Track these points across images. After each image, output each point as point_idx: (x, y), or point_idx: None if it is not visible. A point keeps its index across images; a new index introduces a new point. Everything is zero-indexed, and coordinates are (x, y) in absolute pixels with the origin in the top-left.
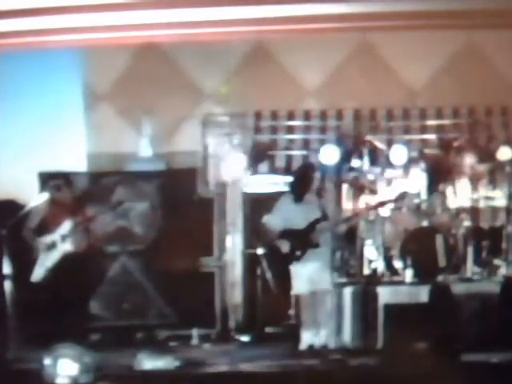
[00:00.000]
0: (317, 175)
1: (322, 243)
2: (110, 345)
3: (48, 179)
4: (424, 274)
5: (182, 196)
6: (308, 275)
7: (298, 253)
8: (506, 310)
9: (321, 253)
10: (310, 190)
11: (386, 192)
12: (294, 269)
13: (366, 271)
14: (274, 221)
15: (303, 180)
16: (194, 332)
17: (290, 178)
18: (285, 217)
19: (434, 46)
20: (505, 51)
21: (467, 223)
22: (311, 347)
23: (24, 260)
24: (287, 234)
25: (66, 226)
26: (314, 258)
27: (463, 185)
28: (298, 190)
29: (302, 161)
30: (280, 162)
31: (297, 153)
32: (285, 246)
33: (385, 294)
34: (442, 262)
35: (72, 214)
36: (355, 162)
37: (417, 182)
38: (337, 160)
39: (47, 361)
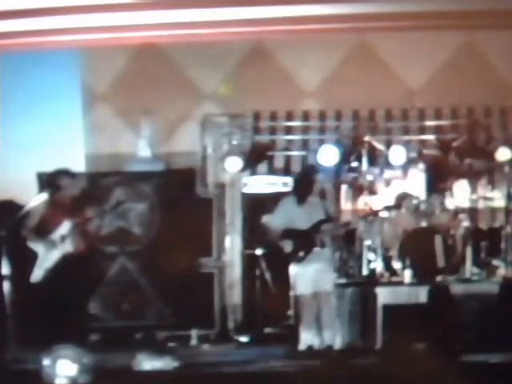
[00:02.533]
0: (319, 177)
1: (326, 244)
2: (109, 345)
3: (47, 179)
4: (423, 274)
5: (180, 196)
6: (310, 276)
7: (301, 253)
8: (504, 311)
9: (323, 254)
10: (312, 192)
11: (384, 193)
12: (296, 269)
13: (365, 272)
14: (275, 221)
15: (305, 182)
16: (193, 332)
17: (293, 180)
18: (287, 217)
19: (433, 47)
20: (503, 51)
21: (466, 224)
22: (310, 348)
23: (23, 260)
24: (290, 234)
25: (66, 226)
26: (316, 258)
27: (462, 185)
28: (300, 193)
29: (302, 163)
30: (279, 163)
31: (296, 153)
32: (288, 247)
33: (384, 295)
34: (440, 262)
35: (71, 215)
36: (354, 163)
37: (416, 182)
38: (336, 161)
39: (46, 361)
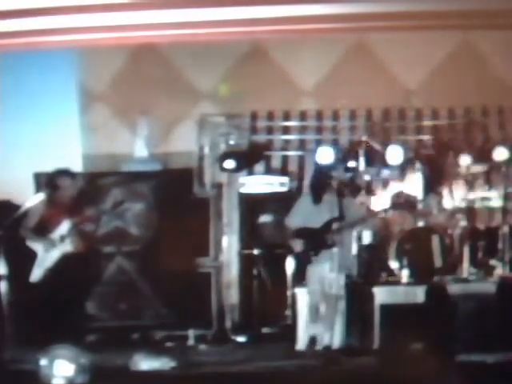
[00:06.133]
0: (333, 175)
1: (336, 243)
2: (107, 345)
3: (46, 179)
4: (420, 274)
5: (178, 196)
6: (317, 275)
7: (312, 253)
8: (502, 311)
9: (332, 253)
10: (326, 190)
11: (382, 192)
12: (306, 269)
13: (362, 271)
14: (293, 221)
15: (319, 181)
16: (191, 332)
17: (309, 179)
18: (303, 216)
19: (430, 47)
20: (501, 51)
21: (463, 224)
22: (308, 347)
23: (21, 260)
24: (303, 233)
25: (65, 226)
26: (326, 258)
27: (459, 185)
28: (315, 191)
29: (299, 162)
30: (276, 163)
31: (293, 153)
32: (304, 245)
33: (381, 295)
34: (438, 262)
35: (70, 215)
36: (351, 163)
37: (413, 182)
38: (333, 160)
39: (43, 361)
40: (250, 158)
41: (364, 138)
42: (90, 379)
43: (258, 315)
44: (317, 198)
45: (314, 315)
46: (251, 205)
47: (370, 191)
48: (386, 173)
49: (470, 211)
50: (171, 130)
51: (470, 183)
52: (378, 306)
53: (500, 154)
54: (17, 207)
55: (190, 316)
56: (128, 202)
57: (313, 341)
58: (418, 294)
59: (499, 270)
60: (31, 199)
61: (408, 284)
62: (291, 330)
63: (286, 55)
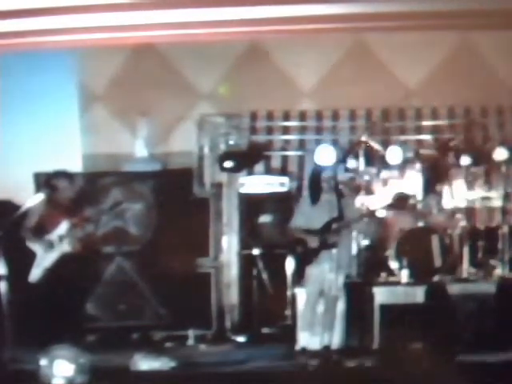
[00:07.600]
0: (328, 175)
1: (336, 244)
2: (106, 345)
3: (44, 180)
4: (420, 274)
5: (177, 196)
6: (317, 276)
7: (313, 253)
8: (502, 311)
9: (331, 254)
10: (322, 191)
11: (381, 192)
12: (305, 269)
13: (362, 272)
14: (296, 223)
15: (315, 182)
16: (190, 333)
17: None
18: (304, 218)
19: (430, 47)
20: (500, 51)
21: (463, 224)
22: (307, 348)
23: (20, 260)
24: (304, 234)
25: (64, 226)
26: (325, 258)
27: (459, 185)
28: (312, 192)
29: (299, 162)
30: (276, 163)
31: (293, 153)
32: (304, 246)
33: (381, 295)
34: (437, 262)
35: (69, 215)
36: (351, 163)
37: (413, 182)
38: (333, 161)
39: (43, 362)
40: (249, 158)
41: (364, 138)
42: (90, 379)
43: (257, 315)
44: (315, 198)
45: (313, 315)
46: (251, 205)
47: (369, 191)
48: (385, 173)
49: (469, 211)
50: (171, 130)
51: (470, 183)
52: (377, 306)
53: (500, 153)
54: (17, 207)
55: (190, 316)
56: (128, 201)
57: (307, 348)
58: (418, 294)
59: (499, 270)
60: (31, 199)
61: (408, 284)
62: (291, 330)
63: (285, 55)
